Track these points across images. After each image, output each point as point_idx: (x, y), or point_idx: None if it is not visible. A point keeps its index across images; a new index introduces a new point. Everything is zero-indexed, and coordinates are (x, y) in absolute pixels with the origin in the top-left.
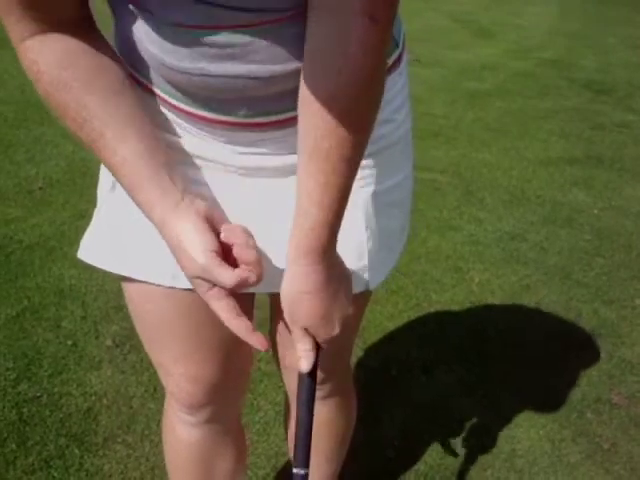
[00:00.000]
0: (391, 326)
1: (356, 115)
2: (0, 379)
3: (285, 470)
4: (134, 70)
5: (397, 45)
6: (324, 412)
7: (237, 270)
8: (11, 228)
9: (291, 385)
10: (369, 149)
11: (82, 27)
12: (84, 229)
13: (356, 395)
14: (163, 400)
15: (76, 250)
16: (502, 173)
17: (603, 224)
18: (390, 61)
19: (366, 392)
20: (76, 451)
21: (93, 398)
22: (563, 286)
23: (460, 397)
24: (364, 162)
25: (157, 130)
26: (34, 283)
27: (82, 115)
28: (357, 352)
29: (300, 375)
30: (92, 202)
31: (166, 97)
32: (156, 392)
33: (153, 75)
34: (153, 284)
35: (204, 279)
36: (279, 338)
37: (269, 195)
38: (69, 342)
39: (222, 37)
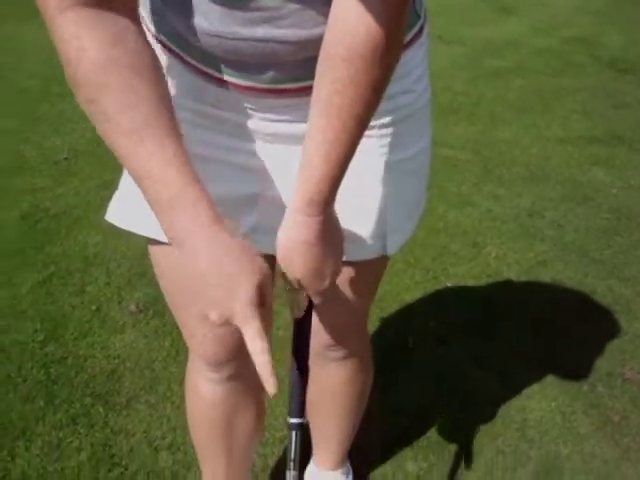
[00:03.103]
0: (408, 298)
1: (370, 75)
2: (28, 340)
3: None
4: (166, 38)
5: (419, 16)
6: (343, 372)
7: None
8: (37, 197)
9: (313, 352)
10: (390, 118)
11: (127, 6)
12: (109, 198)
13: (373, 359)
14: (184, 364)
15: (101, 219)
16: (521, 151)
17: (622, 203)
18: (412, 33)
19: (382, 362)
20: (101, 410)
21: (117, 361)
22: (579, 263)
23: (474, 369)
24: (385, 131)
25: (188, 100)
26: (60, 250)
27: (128, 98)
28: (374, 322)
29: (295, 325)
30: (116, 172)
31: (196, 63)
32: (178, 356)
33: (183, 42)
34: None
35: (261, 291)
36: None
37: (290, 161)
38: (93, 307)
39: (253, 1)
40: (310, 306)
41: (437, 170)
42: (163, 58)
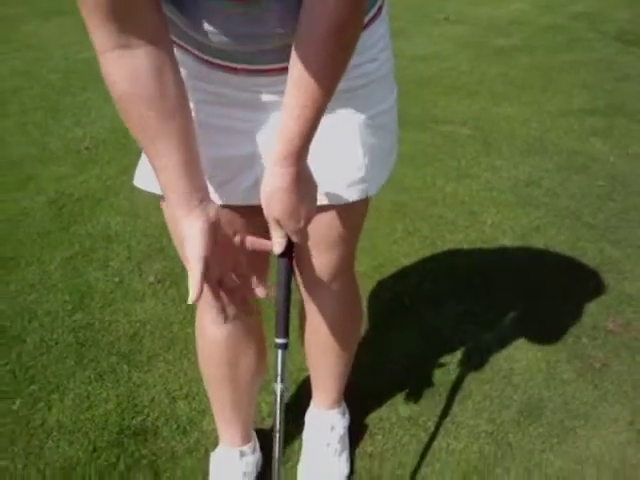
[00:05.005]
0: (406, 262)
1: (331, 54)
2: (58, 309)
3: (305, 384)
4: (177, 37)
5: (376, 0)
6: (333, 313)
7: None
8: (62, 184)
9: (305, 294)
10: (360, 82)
11: (157, 45)
12: (128, 183)
13: (364, 315)
14: None
15: (121, 201)
16: (521, 124)
17: (618, 171)
18: (372, 12)
19: (379, 319)
20: (125, 367)
21: (138, 325)
22: (572, 227)
23: (466, 324)
24: (356, 93)
25: (199, 82)
26: (84, 230)
27: (142, 124)
28: (372, 284)
29: (279, 261)
30: (135, 158)
31: (200, 54)
32: (193, 320)
33: (191, 40)
34: None
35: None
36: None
37: (272, 124)
38: (116, 279)
39: (242, 8)
40: (290, 244)
41: (438, 146)
42: (177, 53)
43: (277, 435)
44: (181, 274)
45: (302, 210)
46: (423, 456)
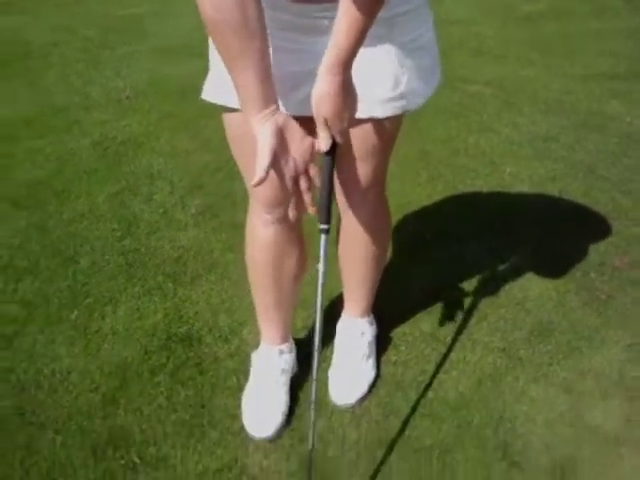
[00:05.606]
0: (429, 204)
1: None
2: (108, 235)
3: (339, 303)
4: None
5: None
6: (365, 221)
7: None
8: (106, 128)
9: (343, 204)
10: (401, 10)
11: None
12: (168, 127)
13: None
14: (239, 253)
15: (162, 144)
16: (543, 86)
17: (634, 129)
18: None
19: (403, 251)
20: (170, 285)
21: (181, 250)
22: (586, 179)
23: (485, 258)
24: (396, 20)
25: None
26: (128, 169)
27: (226, 45)
28: (396, 222)
29: (323, 159)
30: (174, 106)
31: None
32: (233, 247)
33: None
34: None
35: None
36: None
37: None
38: (160, 210)
39: None
40: (334, 145)
41: (463, 104)
42: None
43: (318, 310)
44: (221, 207)
45: (346, 113)
46: (442, 365)
